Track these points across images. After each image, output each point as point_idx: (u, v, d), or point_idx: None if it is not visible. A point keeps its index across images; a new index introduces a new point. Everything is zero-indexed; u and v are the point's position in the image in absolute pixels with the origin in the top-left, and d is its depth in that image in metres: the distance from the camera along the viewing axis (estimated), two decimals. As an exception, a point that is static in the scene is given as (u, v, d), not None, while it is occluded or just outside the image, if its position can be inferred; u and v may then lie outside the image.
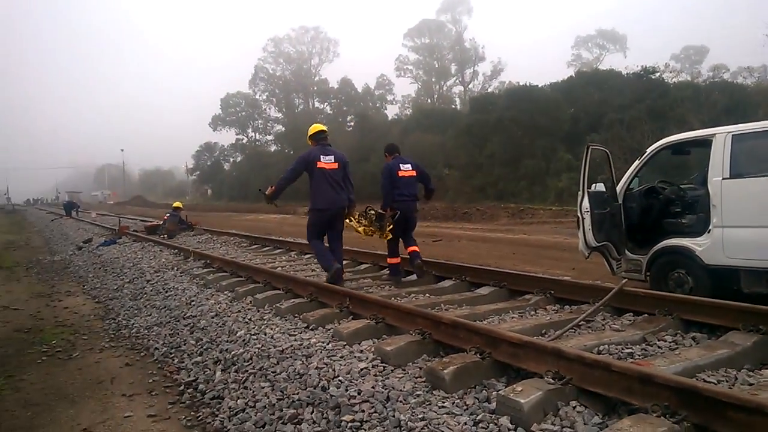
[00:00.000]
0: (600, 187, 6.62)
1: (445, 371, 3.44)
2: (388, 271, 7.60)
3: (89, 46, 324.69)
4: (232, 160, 73.55)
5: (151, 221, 19.83)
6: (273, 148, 69.18)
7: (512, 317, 5.08)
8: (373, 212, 7.49)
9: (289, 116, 73.33)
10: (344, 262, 7.63)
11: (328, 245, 7.06)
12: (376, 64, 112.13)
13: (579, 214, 6.26)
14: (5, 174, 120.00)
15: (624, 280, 5.17)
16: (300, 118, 68.83)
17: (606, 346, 3.99)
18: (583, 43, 66.82)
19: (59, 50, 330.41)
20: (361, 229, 7.52)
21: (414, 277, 7.28)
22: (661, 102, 27.36)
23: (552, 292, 5.59)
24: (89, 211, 38.91)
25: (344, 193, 7.03)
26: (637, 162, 6.66)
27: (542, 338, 4.28)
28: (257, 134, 75.74)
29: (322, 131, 7.17)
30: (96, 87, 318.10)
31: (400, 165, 7.41)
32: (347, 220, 7.36)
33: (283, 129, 69.71)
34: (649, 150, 6.59)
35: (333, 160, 6.86)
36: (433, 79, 68.96)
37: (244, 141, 74.16)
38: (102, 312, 7.76)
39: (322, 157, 6.79)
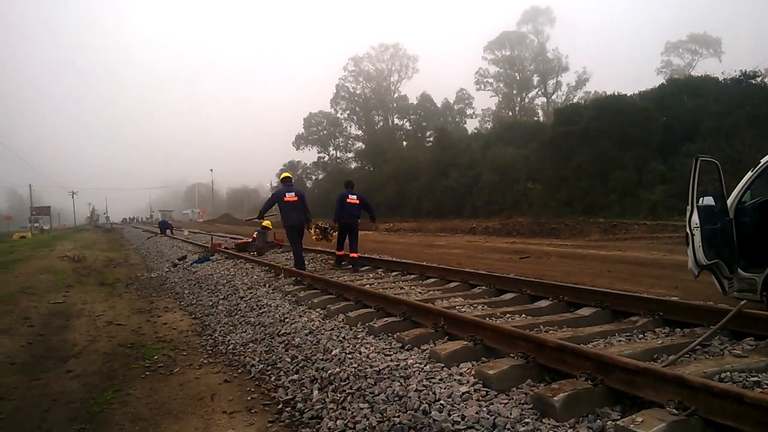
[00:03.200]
0: (709, 200, 6.17)
1: (555, 398, 3.26)
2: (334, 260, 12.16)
3: (181, 70, 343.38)
4: (314, 177, 75.27)
5: (241, 239, 20.48)
6: (353, 165, 70.24)
7: (619, 341, 4.79)
8: (320, 227, 12.61)
9: (369, 133, 74.40)
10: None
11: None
12: (456, 78, 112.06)
13: (688, 230, 5.85)
14: (104, 194, 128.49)
15: (743, 302, 4.77)
16: (380, 135, 69.78)
17: (728, 373, 3.68)
18: (674, 49, 63.89)
19: (153, 73, 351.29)
20: (314, 237, 12.47)
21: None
22: (763, 108, 25.59)
23: (660, 313, 5.26)
24: (182, 229, 40.75)
25: (301, 214, 11.36)
26: (749, 173, 6.19)
27: (655, 364, 4.01)
28: (338, 152, 77.34)
29: (288, 177, 12.02)
30: (187, 109, 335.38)
31: (349, 195, 11.68)
32: (307, 230, 11.85)
33: (363, 146, 70.71)
34: (763, 161, 6.11)
35: (293, 195, 11.28)
36: (515, 92, 67.99)
37: (325, 159, 75.85)
38: (199, 328, 8.01)
39: (287, 193, 11.25)
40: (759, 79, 28.92)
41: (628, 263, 11.76)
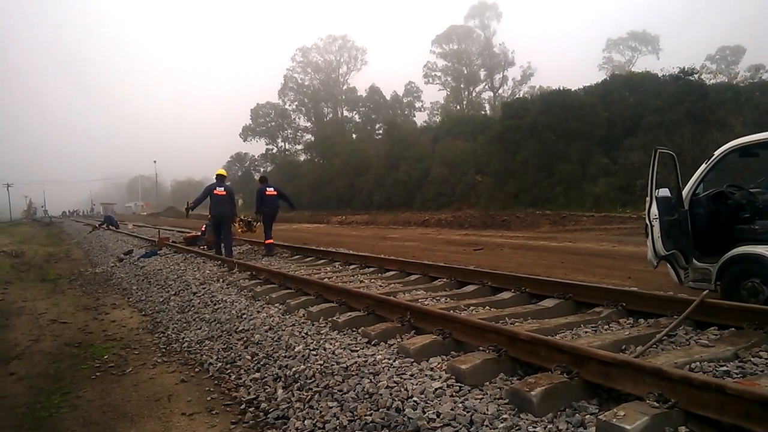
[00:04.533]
0: (665, 192, 6.29)
1: (532, 392, 3.20)
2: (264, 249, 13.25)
3: (121, 60, 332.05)
4: (262, 170, 74.06)
5: (189, 232, 19.92)
6: (303, 157, 69.54)
7: (586, 332, 4.79)
8: (244, 219, 14.07)
9: (318, 125, 73.75)
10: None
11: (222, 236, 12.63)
12: (405, 71, 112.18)
13: (647, 221, 5.94)
14: (42, 187, 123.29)
15: (705, 291, 4.86)
16: (329, 127, 69.29)
17: (698, 363, 3.70)
18: (615, 46, 65.74)
19: (92, 64, 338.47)
20: (239, 230, 13.85)
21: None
22: (701, 104, 26.64)
23: (623, 304, 5.30)
24: (125, 222, 39.44)
25: (228, 207, 12.64)
26: (703, 166, 6.33)
27: (625, 354, 4.02)
28: (287, 144, 76.31)
29: (221, 175, 13.03)
30: (128, 99, 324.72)
31: (266, 188, 13.28)
32: (233, 224, 13.18)
33: (313, 138, 70.06)
34: (716, 153, 6.26)
35: (223, 190, 12.60)
36: (462, 86, 68.58)
37: (274, 151, 74.72)
38: (150, 325, 7.67)
39: (217, 188, 12.55)
40: (696, 76, 30.05)
41: (580, 254, 11.98)
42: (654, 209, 5.89)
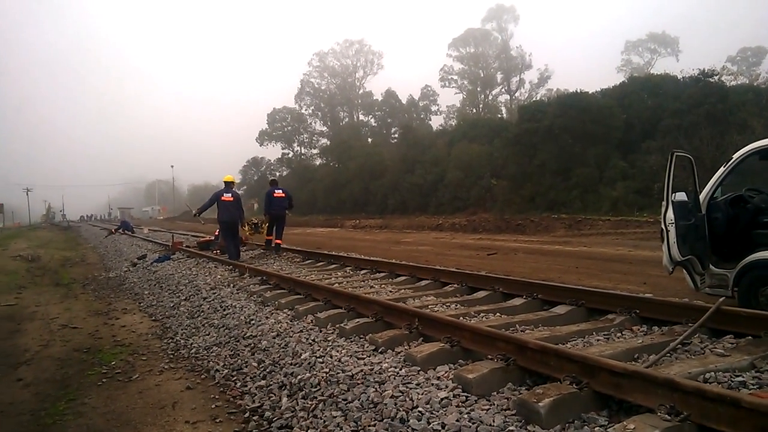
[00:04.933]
0: (682, 196, 6.13)
1: (540, 404, 3.10)
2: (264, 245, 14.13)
3: (141, 66, 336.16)
4: (278, 174, 74.25)
5: (203, 237, 19.98)
6: (318, 161, 69.64)
7: (598, 340, 4.67)
8: (253, 223, 14.71)
9: (334, 129, 73.83)
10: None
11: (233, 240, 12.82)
12: (421, 75, 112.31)
13: (663, 226, 5.79)
14: (61, 191, 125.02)
15: (722, 299, 4.70)
16: (345, 131, 69.29)
17: (713, 373, 3.58)
18: (634, 48, 65.05)
19: (111, 69, 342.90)
20: (248, 232, 14.39)
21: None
22: (721, 106, 26.17)
23: (637, 311, 5.16)
24: (141, 227, 39.76)
25: (236, 213, 12.82)
26: (722, 169, 6.17)
27: (636, 364, 3.90)
28: (303, 148, 76.42)
29: (229, 182, 13.17)
30: (147, 104, 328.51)
31: (275, 190, 13.77)
32: (241, 227, 13.33)
33: (328, 142, 70.18)
34: (735, 156, 6.10)
35: (230, 196, 12.79)
36: (479, 89, 68.23)
37: (290, 155, 74.84)
38: (159, 331, 7.66)
39: (224, 194, 12.73)
40: (716, 78, 29.59)
41: (595, 259, 11.80)
42: (670, 213, 5.74)
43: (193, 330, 7.18)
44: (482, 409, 3.33)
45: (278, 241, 13.70)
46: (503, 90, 67.96)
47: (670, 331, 4.64)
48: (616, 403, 3.24)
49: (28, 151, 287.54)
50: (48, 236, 41.58)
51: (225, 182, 13.20)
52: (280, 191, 13.84)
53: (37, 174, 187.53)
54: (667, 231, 5.73)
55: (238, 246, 12.99)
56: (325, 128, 76.56)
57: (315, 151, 74.53)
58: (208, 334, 6.77)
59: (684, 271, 6.16)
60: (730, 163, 6.10)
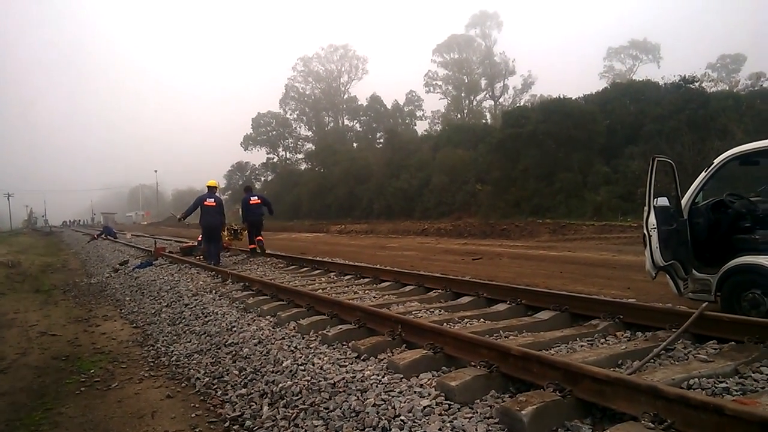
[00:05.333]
0: (663, 201, 6.16)
1: (522, 412, 3.07)
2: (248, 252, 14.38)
3: (121, 68, 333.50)
4: (263, 179, 73.98)
5: (186, 242, 19.79)
6: (303, 166, 69.47)
7: (581, 346, 4.65)
8: (232, 229, 14.89)
9: (320, 134, 73.77)
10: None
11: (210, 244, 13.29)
12: (406, 80, 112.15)
13: (645, 231, 5.80)
14: (42, 196, 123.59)
15: (705, 304, 4.72)
16: (330, 136, 69.28)
17: (696, 379, 3.57)
18: (615, 54, 65.67)
19: (91, 73, 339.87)
20: (227, 238, 14.42)
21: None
22: (702, 112, 26.48)
23: (620, 316, 5.15)
24: (124, 232, 39.34)
25: (218, 217, 13.27)
26: (703, 174, 6.21)
27: (620, 370, 3.89)
28: (288, 153, 76.29)
29: (212, 186, 13.47)
30: (129, 108, 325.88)
31: (251, 198, 14.51)
32: (222, 233, 13.75)
33: (313, 147, 70.03)
34: (716, 161, 6.14)
35: (213, 201, 13.18)
36: (463, 94, 68.56)
37: (275, 160, 74.65)
38: (140, 338, 7.54)
39: (207, 198, 13.13)
40: (697, 84, 29.95)
41: (579, 264, 11.84)
42: (652, 219, 5.75)
43: (175, 337, 7.07)
44: (465, 418, 3.29)
45: (259, 238, 14.24)
46: (487, 95, 68.43)
47: (654, 337, 4.64)
48: (600, 410, 3.21)
49: (9, 156, 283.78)
50: (29, 242, 40.96)
51: (208, 187, 13.51)
52: (256, 198, 14.66)
53: (18, 178, 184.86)
54: (650, 236, 5.75)
55: (219, 250, 13.42)
56: (310, 133, 76.54)
57: (300, 156, 74.46)
58: (189, 342, 6.68)
59: (667, 276, 6.18)
60: (711, 168, 6.14)
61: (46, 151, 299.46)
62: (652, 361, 4.05)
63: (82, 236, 41.23)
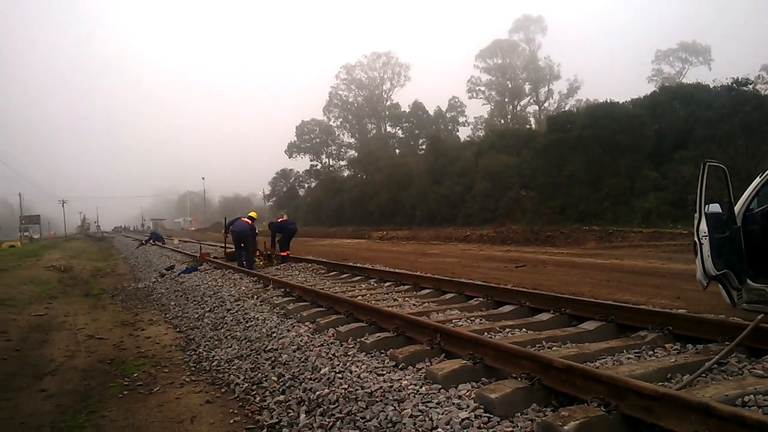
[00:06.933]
0: (715, 207, 5.89)
1: (565, 427, 2.96)
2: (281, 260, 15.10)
3: (170, 79, 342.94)
4: (306, 185, 74.85)
5: (230, 248, 20.07)
6: (346, 173, 70.01)
7: (628, 358, 4.47)
8: (263, 252, 15.56)
9: (362, 141, 74.25)
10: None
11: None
12: (448, 86, 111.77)
13: (696, 239, 5.57)
14: (95, 203, 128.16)
15: (760, 316, 4.48)
16: (372, 143, 69.61)
17: (751, 396, 3.38)
18: (664, 57, 63.91)
19: (145, 84, 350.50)
20: (260, 262, 14.98)
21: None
22: (756, 115, 25.53)
23: (670, 328, 4.94)
24: (172, 238, 40.27)
25: (247, 227, 14.42)
26: (758, 179, 5.94)
27: (669, 385, 3.71)
28: (331, 160, 77.06)
29: (251, 216, 15.25)
30: (179, 118, 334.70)
31: (277, 220, 16.60)
32: (255, 259, 14.75)
33: (356, 154, 70.49)
34: (773, 166, 5.85)
35: (248, 220, 14.76)
36: (506, 100, 68.02)
37: (318, 167, 75.46)
38: (183, 342, 7.64)
39: (243, 218, 14.99)
40: (750, 86, 28.93)
41: (626, 272, 11.49)
42: (703, 226, 5.51)
43: (216, 342, 7.14)
44: (504, 432, 3.19)
45: (287, 252, 15.50)
46: (531, 100, 67.73)
47: (705, 350, 4.43)
48: (647, 427, 3.06)
49: (65, 163, 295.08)
50: (81, 247, 42.41)
51: (249, 216, 15.42)
52: (285, 216, 17.66)
53: (73, 186, 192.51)
54: (701, 244, 5.51)
55: (249, 257, 14.34)
56: (353, 140, 77.12)
57: (343, 163, 75.15)
58: (230, 347, 6.72)
59: (719, 285, 5.91)
60: (766, 173, 5.86)
61: (100, 159, 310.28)
62: (704, 375, 3.86)
63: (131, 242, 42.45)
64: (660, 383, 3.68)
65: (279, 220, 16.47)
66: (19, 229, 74.81)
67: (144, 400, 5.30)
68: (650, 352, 4.64)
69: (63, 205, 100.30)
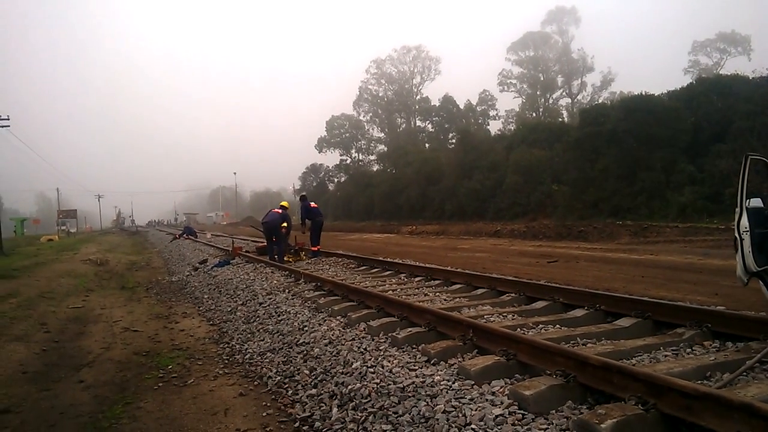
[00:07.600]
0: (757, 202, 5.71)
1: (602, 425, 2.91)
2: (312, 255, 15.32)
3: (206, 76, 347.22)
4: (336, 180, 75.12)
5: (261, 242, 20.28)
6: (376, 167, 70.03)
7: (665, 356, 4.39)
8: (295, 249, 15.67)
9: (392, 135, 74.17)
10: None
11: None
12: (479, 79, 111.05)
13: (737, 234, 5.41)
14: (130, 198, 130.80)
15: (805, 314, 4.34)
16: (402, 137, 69.45)
17: (796, 397, 3.26)
18: (701, 48, 62.13)
19: (179, 79, 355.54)
20: (291, 259, 14.74)
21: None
22: (799, 107, 24.75)
23: (708, 325, 4.83)
24: (204, 232, 40.84)
25: (276, 217, 14.69)
26: (802, 173, 5.73)
27: (709, 383, 3.62)
28: (360, 154, 77.21)
29: (283, 206, 15.49)
30: (211, 113, 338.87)
31: (310, 203, 16.13)
32: (285, 257, 14.57)
33: (386, 148, 70.44)
34: (817, 159, 5.65)
35: (279, 210, 15.03)
36: (538, 93, 67.17)
37: (348, 161, 75.67)
38: (216, 335, 7.76)
39: (275, 209, 15.21)
40: (793, 77, 28.01)
41: (662, 268, 11.26)
42: (744, 221, 5.35)
43: (249, 335, 7.23)
44: (540, 429, 3.16)
45: (318, 248, 15.56)
46: (564, 93, 66.79)
47: (746, 348, 4.32)
48: (687, 426, 2.99)
49: (101, 159, 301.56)
50: (117, 241, 43.34)
51: (280, 206, 15.59)
52: (313, 203, 16.35)
53: (109, 181, 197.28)
54: (741, 239, 5.35)
55: (281, 250, 14.49)
56: (383, 134, 77.09)
57: (372, 158, 75.24)
58: (262, 340, 6.80)
59: (760, 282, 5.74)
60: (811, 166, 5.66)
61: (134, 153, 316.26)
62: (745, 374, 3.77)
63: (165, 236, 43.17)
64: (699, 382, 3.61)
65: (312, 205, 16.23)
66: (57, 223, 76.71)
67: (179, 392, 5.40)
68: (688, 350, 4.54)
69: (99, 200, 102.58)
